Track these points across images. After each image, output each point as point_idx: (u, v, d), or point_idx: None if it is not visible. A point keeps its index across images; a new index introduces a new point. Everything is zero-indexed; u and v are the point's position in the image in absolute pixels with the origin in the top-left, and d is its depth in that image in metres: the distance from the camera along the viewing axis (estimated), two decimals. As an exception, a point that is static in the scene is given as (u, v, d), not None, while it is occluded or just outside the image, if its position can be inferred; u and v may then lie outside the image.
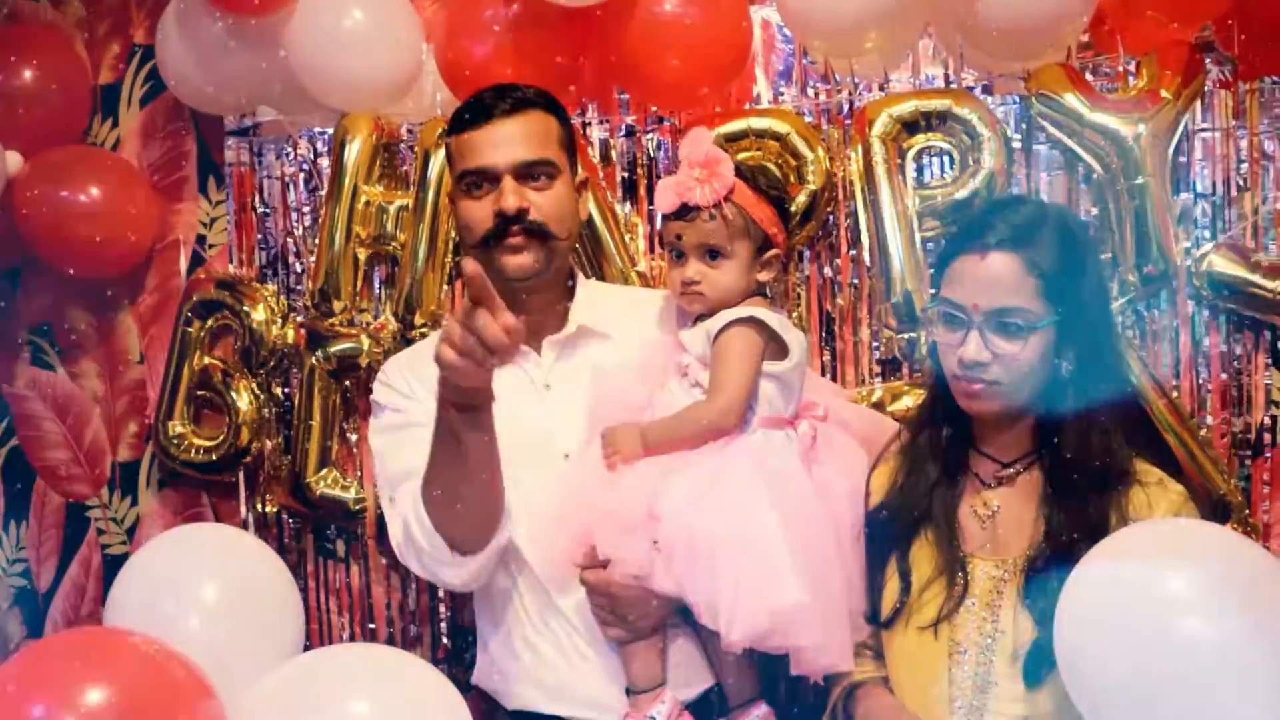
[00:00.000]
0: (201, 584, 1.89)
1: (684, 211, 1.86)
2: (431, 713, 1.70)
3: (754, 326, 1.85)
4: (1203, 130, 2.30)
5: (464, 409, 1.70)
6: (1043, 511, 1.78)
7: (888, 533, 1.89)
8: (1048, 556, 1.73)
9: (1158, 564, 1.54)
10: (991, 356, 1.72)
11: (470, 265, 1.55)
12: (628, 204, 2.51)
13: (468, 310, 1.57)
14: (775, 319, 1.87)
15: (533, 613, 1.99)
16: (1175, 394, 2.28)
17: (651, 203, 2.46)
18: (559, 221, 1.97)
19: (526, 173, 1.94)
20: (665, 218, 1.91)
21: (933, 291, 1.85)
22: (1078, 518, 1.73)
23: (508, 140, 1.94)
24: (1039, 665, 1.70)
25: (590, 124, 2.52)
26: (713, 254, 1.87)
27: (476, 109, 1.96)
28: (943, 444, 1.87)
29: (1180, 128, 2.26)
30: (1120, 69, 2.32)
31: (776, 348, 1.88)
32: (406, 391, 2.02)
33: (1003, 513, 1.82)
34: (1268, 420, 2.30)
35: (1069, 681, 1.59)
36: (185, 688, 1.64)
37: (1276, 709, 1.45)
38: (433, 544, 1.85)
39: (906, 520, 1.86)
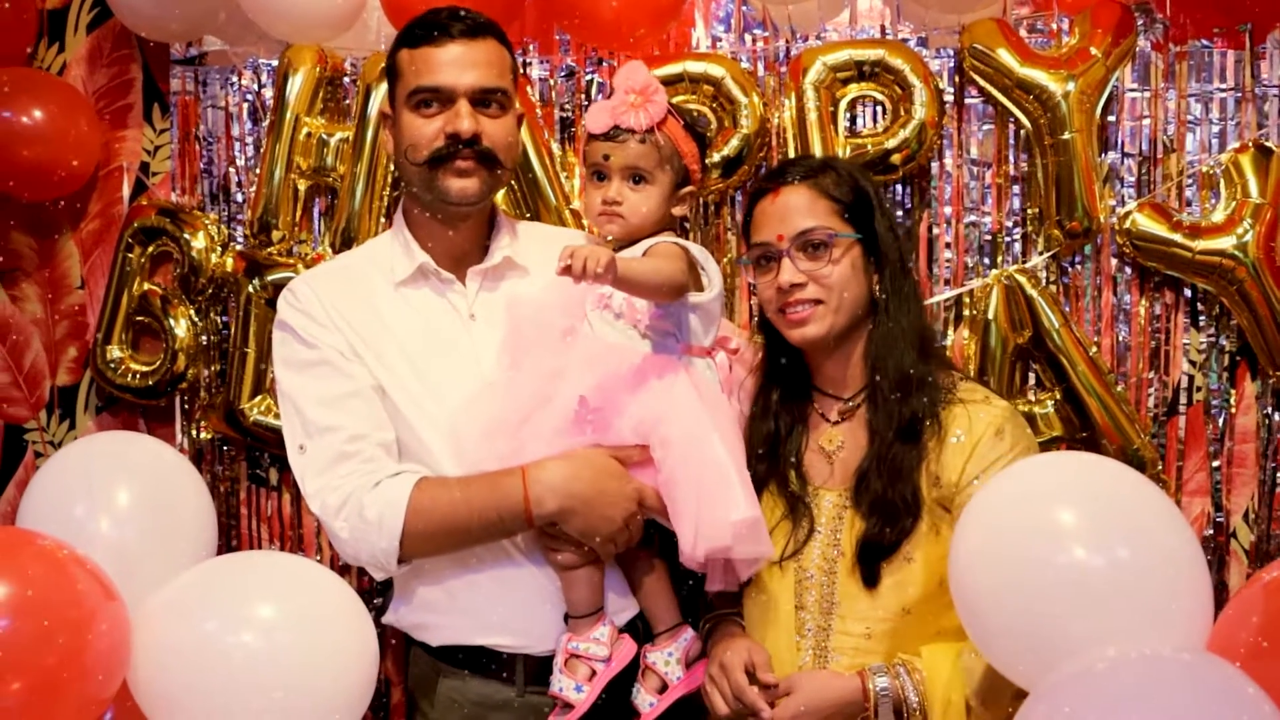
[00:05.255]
0: (114, 489, 1.91)
1: (614, 134, 1.89)
2: (334, 617, 1.74)
3: (681, 250, 1.89)
4: (1132, 90, 2.33)
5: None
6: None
7: None
8: (871, 458, 1.83)
9: (1047, 497, 1.59)
10: (805, 277, 1.83)
11: None
12: (565, 144, 2.52)
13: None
14: (697, 249, 1.92)
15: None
16: (1095, 350, 2.32)
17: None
18: (507, 151, 1.99)
19: (481, 99, 1.94)
20: (593, 138, 1.92)
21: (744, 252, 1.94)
22: (891, 417, 1.83)
23: (468, 63, 1.93)
24: (873, 560, 1.80)
25: (530, 63, 2.52)
26: (637, 178, 1.90)
27: (436, 26, 1.94)
28: (783, 401, 1.95)
29: (1109, 87, 2.29)
30: (1054, 26, 2.34)
31: (696, 279, 1.91)
32: (321, 319, 1.97)
33: (847, 445, 1.90)
34: (1184, 379, 2.34)
35: (963, 614, 1.64)
36: (89, 590, 1.67)
37: (1161, 632, 1.50)
38: (389, 544, 1.86)
39: (757, 470, 1.92)
